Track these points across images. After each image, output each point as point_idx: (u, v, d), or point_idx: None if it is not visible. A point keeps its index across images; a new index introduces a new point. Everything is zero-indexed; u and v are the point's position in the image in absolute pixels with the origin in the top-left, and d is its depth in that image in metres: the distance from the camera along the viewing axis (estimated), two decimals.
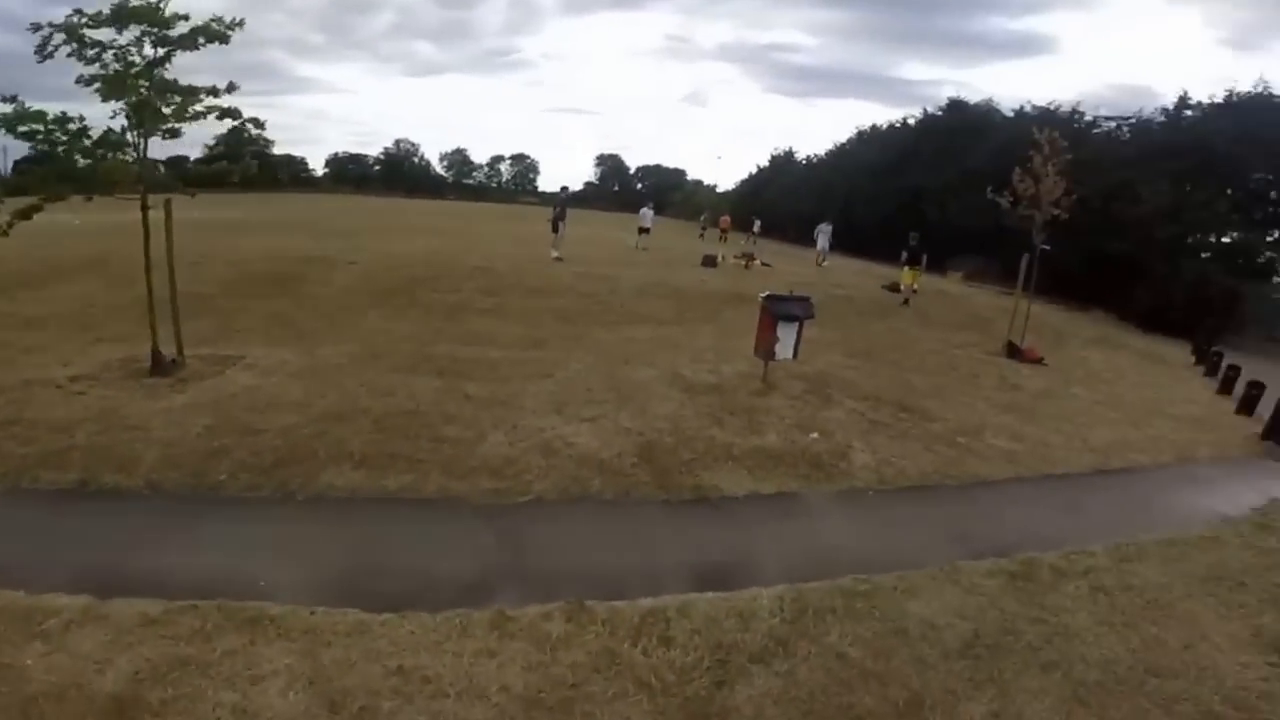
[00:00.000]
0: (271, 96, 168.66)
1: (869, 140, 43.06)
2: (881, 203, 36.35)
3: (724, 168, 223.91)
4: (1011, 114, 33.92)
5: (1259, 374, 12.46)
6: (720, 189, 79.53)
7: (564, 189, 22.99)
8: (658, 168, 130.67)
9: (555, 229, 16.94)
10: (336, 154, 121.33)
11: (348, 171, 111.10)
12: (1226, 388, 12.15)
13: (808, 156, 56.19)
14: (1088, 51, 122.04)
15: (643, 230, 22.78)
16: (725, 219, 38.11)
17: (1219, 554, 5.15)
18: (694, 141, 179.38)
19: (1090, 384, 11.17)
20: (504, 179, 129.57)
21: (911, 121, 39.50)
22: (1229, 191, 24.38)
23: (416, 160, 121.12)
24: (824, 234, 24.77)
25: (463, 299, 11.80)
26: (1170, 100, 30.29)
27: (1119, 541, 5.19)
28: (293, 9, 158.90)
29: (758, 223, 37.10)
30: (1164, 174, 23.58)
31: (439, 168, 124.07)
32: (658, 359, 8.94)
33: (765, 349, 7.72)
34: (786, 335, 7.62)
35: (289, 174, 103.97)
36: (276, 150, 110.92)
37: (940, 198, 32.71)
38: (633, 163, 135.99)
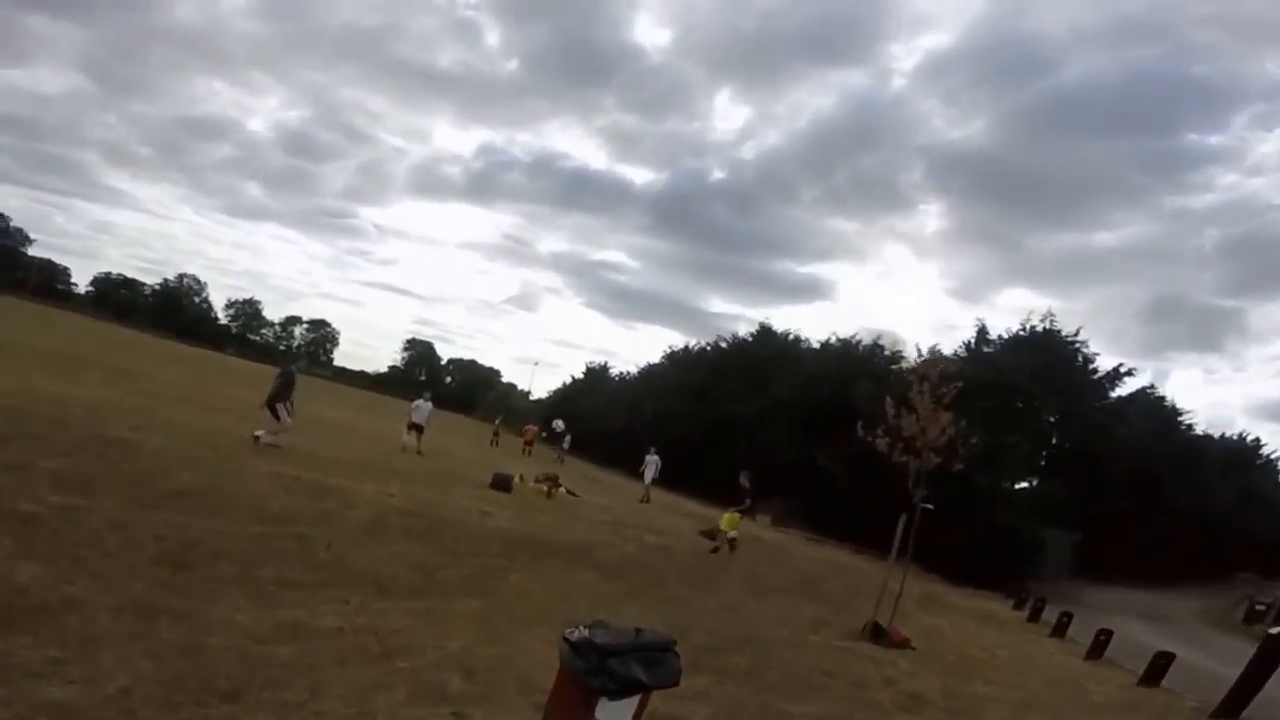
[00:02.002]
0: (63, 196, 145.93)
1: (679, 361, 42.98)
2: (690, 426, 34.73)
3: (539, 375, 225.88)
4: (818, 345, 34.83)
5: (1084, 620, 13.58)
6: (534, 396, 76.97)
7: (299, 355, 16.45)
8: (471, 363, 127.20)
9: (274, 410, 11.20)
10: (108, 274, 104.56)
11: (116, 295, 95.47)
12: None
13: (621, 373, 55.96)
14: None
15: (415, 427, 17.06)
16: (531, 429, 34.01)
17: None
18: (513, 345, 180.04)
19: (978, 671, 8.89)
20: (295, 343, 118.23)
21: (723, 344, 39.36)
22: (1025, 436, 24.60)
23: (197, 300, 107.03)
24: (651, 466, 21.19)
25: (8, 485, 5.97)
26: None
27: None
28: (130, 114, 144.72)
29: (568, 437, 32.91)
30: (973, 414, 23.13)
31: (222, 315, 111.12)
32: (323, 705, 3.87)
33: None
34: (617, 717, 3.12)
35: (38, 280, 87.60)
36: (37, 252, 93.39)
37: (749, 427, 31.66)
38: (446, 354, 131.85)
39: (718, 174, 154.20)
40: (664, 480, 30.70)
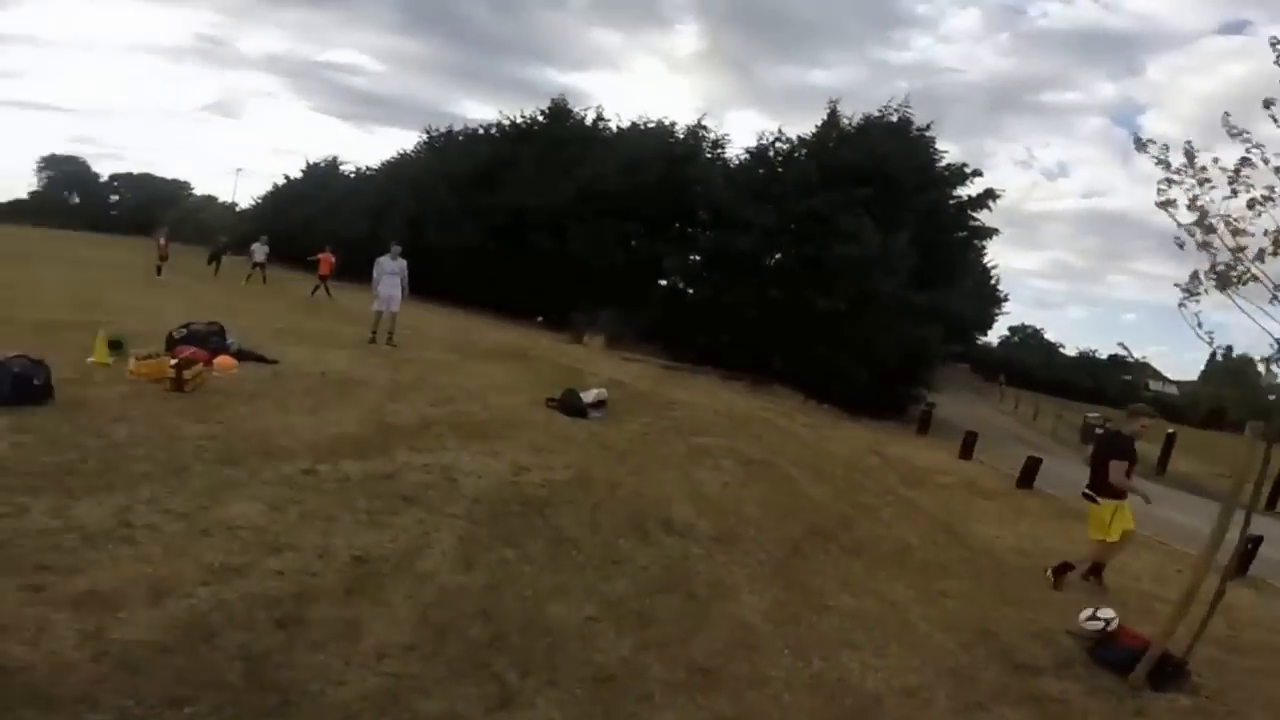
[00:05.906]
0: None
1: (445, 149, 32.01)
2: (468, 227, 25.77)
3: (249, 184, 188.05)
4: (628, 125, 26.86)
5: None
6: (241, 207, 59.70)
7: None
8: (145, 177, 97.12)
9: None
10: None
11: None
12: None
13: (358, 169, 42.53)
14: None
15: None
16: (163, 238, 21.77)
17: None
18: (213, 157, 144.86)
19: None
20: None
21: (507, 125, 29.46)
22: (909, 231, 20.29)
23: None
24: (389, 278, 11.30)
25: None
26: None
27: None
28: None
29: (262, 248, 21.55)
30: (853, 202, 18.07)
31: None
32: None
33: None
34: None
35: None
36: None
37: (556, 224, 23.61)
38: (112, 171, 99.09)
39: None
40: (441, 296, 22.35)
